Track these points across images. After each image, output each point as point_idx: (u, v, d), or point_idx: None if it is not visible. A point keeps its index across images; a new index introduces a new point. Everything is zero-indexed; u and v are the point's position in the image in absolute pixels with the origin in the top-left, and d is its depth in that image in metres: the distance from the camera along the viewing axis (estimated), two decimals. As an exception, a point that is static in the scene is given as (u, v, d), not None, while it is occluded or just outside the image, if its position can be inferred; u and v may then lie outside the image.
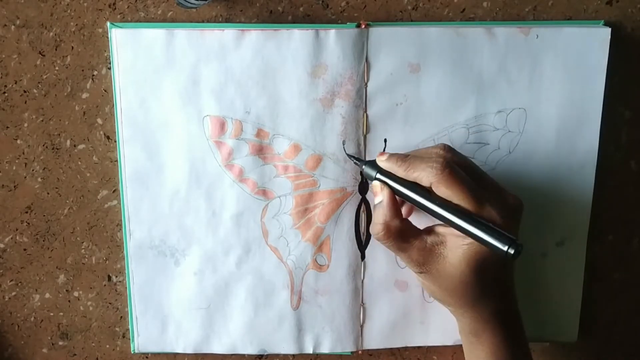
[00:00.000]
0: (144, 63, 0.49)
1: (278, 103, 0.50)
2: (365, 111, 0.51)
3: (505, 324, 0.47)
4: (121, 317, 0.55)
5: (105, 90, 0.51)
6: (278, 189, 0.51)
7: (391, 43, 0.49)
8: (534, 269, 0.54)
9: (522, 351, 0.49)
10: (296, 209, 0.52)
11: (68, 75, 0.50)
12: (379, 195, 0.47)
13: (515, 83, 0.51)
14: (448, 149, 0.46)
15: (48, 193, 0.52)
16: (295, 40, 0.49)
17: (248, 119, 0.50)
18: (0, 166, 0.52)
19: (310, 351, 0.54)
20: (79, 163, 0.52)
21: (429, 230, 0.47)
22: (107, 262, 0.54)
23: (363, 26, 0.49)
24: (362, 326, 0.54)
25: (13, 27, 0.49)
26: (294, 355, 0.56)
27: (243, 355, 0.55)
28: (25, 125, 0.51)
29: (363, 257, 0.53)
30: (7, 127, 0.51)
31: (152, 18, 0.50)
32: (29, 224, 0.53)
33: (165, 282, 0.53)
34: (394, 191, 0.46)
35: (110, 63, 0.50)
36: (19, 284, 0.54)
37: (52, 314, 0.55)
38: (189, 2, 0.47)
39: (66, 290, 0.54)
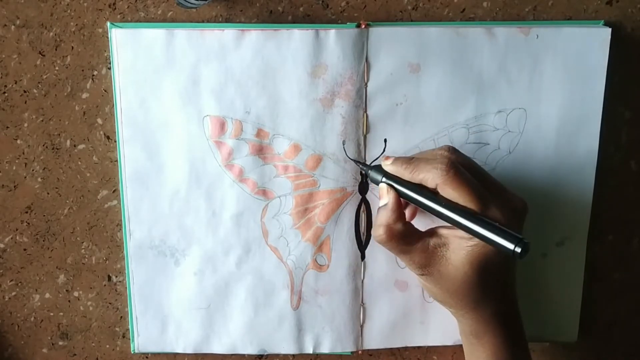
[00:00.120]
0: (144, 63, 0.49)
1: (278, 103, 0.50)
2: (365, 111, 0.51)
3: (506, 325, 0.47)
4: (121, 317, 0.55)
5: (105, 90, 0.51)
6: (278, 189, 0.51)
7: (391, 43, 0.49)
8: (534, 269, 0.54)
9: (522, 352, 0.49)
10: (296, 209, 0.52)
11: (68, 75, 0.50)
12: (384, 197, 0.47)
13: (515, 83, 0.51)
14: (452, 150, 0.46)
15: (48, 193, 0.52)
16: (295, 40, 0.49)
17: (248, 119, 0.50)
18: (0, 166, 0.52)
19: (310, 351, 0.54)
20: (79, 163, 0.52)
21: (431, 233, 0.47)
22: (107, 262, 0.54)
23: (363, 26, 0.49)
24: (362, 326, 0.54)
25: (13, 27, 0.49)
26: (294, 355, 0.56)
27: (243, 355, 0.55)
28: (25, 125, 0.51)
29: (363, 257, 0.53)
30: (7, 127, 0.51)
31: (152, 18, 0.50)
32: (29, 224, 0.53)
33: (165, 282, 0.53)
34: (399, 194, 0.46)
35: (110, 63, 0.50)
36: (19, 284, 0.54)
37: (52, 314, 0.55)
38: (189, 2, 0.47)
39: (66, 290, 0.54)
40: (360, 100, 0.50)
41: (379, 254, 0.53)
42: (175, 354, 0.55)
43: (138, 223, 0.52)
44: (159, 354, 0.55)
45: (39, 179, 0.52)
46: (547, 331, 0.56)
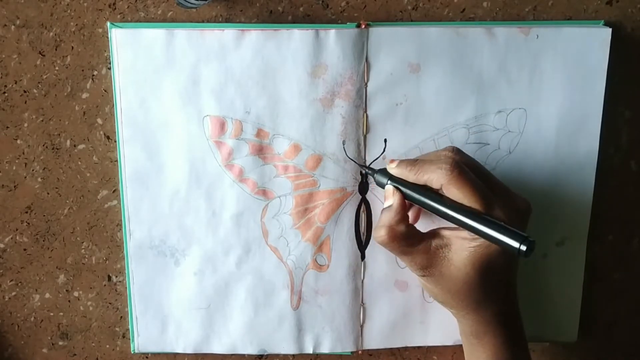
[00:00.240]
0: (144, 63, 0.49)
1: (278, 103, 0.50)
2: (365, 111, 0.51)
3: (507, 325, 0.47)
4: (121, 317, 0.55)
5: (105, 90, 0.51)
6: (278, 189, 0.51)
7: (391, 43, 0.49)
8: (534, 269, 0.54)
9: (522, 352, 0.49)
10: (296, 209, 0.52)
11: (68, 75, 0.50)
12: (389, 199, 0.47)
13: (515, 83, 0.51)
14: (456, 151, 0.46)
15: (48, 193, 0.52)
16: (295, 40, 0.49)
17: (248, 119, 0.50)
18: (0, 166, 0.52)
19: (310, 351, 0.54)
20: (79, 163, 0.52)
21: (433, 234, 0.47)
22: (107, 262, 0.54)
23: (363, 26, 0.49)
24: (362, 326, 0.54)
25: (13, 27, 0.49)
26: (294, 355, 0.56)
27: (243, 355, 0.55)
28: (25, 125, 0.51)
29: (363, 257, 0.53)
30: (7, 127, 0.51)
31: (152, 18, 0.50)
32: (29, 224, 0.53)
33: (165, 282, 0.53)
34: (405, 196, 0.47)
35: (110, 63, 0.50)
36: (19, 284, 0.54)
37: (52, 314, 0.55)
38: (189, 2, 0.47)
39: (66, 290, 0.54)
40: (360, 100, 0.50)
41: (379, 254, 0.53)
42: (175, 354, 0.55)
43: (138, 223, 0.52)
44: (159, 354, 0.55)
45: (39, 179, 0.52)
46: (547, 331, 0.56)
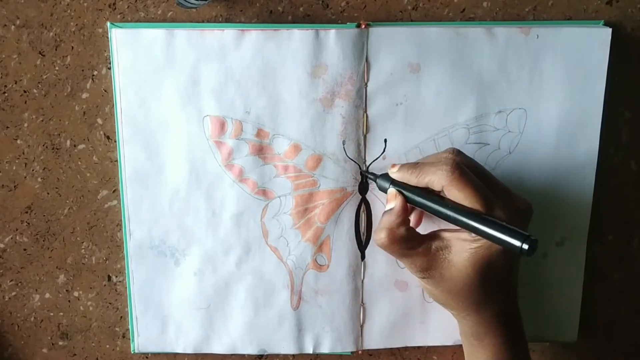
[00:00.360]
0: (144, 63, 0.49)
1: (278, 103, 0.50)
2: (365, 111, 0.51)
3: (507, 326, 0.47)
4: (121, 317, 0.55)
5: (105, 90, 0.51)
6: (278, 189, 0.51)
7: (391, 43, 0.49)
8: (534, 269, 0.54)
9: (522, 352, 0.49)
10: (296, 209, 0.52)
11: (68, 75, 0.50)
12: (391, 202, 0.47)
13: (515, 83, 0.51)
14: (457, 152, 0.46)
15: (48, 193, 0.52)
16: (295, 40, 0.49)
17: (248, 119, 0.50)
18: (0, 166, 0.52)
19: (310, 351, 0.54)
20: (79, 163, 0.52)
21: (433, 236, 0.47)
22: (107, 262, 0.54)
23: (363, 26, 0.49)
24: (362, 326, 0.54)
25: (13, 27, 0.49)
26: (294, 355, 0.56)
27: (243, 355, 0.55)
28: (25, 125, 0.51)
29: (363, 257, 0.53)
30: (7, 127, 0.51)
31: (152, 18, 0.49)
32: (29, 224, 0.53)
33: (165, 282, 0.53)
34: (407, 199, 0.47)
35: (110, 63, 0.50)
36: (19, 284, 0.54)
37: (52, 314, 0.55)
38: (189, 2, 0.47)
39: (66, 290, 0.54)
40: (360, 100, 0.50)
41: (379, 254, 0.53)
42: (175, 354, 0.55)
43: (138, 223, 0.52)
44: (159, 354, 0.55)
45: (39, 179, 0.52)
46: (547, 331, 0.56)
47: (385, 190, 0.48)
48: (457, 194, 0.44)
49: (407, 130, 0.51)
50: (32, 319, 0.55)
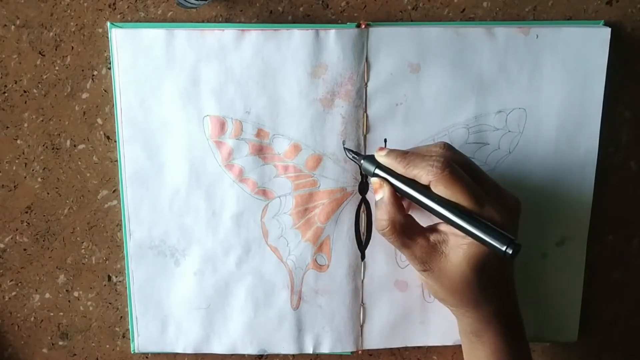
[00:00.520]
0: (144, 63, 0.49)
1: (278, 103, 0.50)
2: (365, 111, 0.51)
3: (507, 323, 0.47)
4: (121, 317, 0.55)
5: (105, 90, 0.51)
6: (278, 189, 0.51)
7: (391, 43, 0.49)
8: (534, 269, 0.54)
9: (522, 352, 0.49)
10: (296, 209, 0.52)
11: (68, 75, 0.50)
12: (379, 192, 0.47)
13: (515, 83, 0.51)
14: (448, 147, 0.46)
15: (48, 193, 0.52)
16: (295, 40, 0.49)
17: (248, 119, 0.50)
18: (0, 166, 0.52)
19: (310, 351, 0.54)
20: (79, 163, 0.52)
21: (432, 228, 0.47)
22: (107, 262, 0.54)
23: (363, 26, 0.49)
24: (362, 326, 0.54)
25: (13, 27, 0.49)
26: (294, 355, 0.56)
27: (243, 355, 0.55)
28: (25, 125, 0.51)
29: (363, 257, 0.53)
30: (7, 127, 0.51)
31: (152, 18, 0.50)
32: (29, 224, 0.53)
33: (165, 282, 0.53)
34: (393, 187, 0.46)
35: (110, 63, 0.50)
36: (19, 284, 0.54)
37: (52, 314, 0.55)
38: (189, 2, 0.47)
39: (66, 290, 0.54)
40: (360, 100, 0.50)
41: (379, 254, 0.53)
42: (175, 354, 0.55)
43: (138, 223, 0.52)
44: (159, 354, 0.55)
45: (39, 179, 0.52)
46: (547, 331, 0.56)
47: (369, 174, 0.48)
48: (445, 191, 0.43)
49: (407, 130, 0.51)
50: (32, 319, 0.55)
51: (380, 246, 0.53)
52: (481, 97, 0.51)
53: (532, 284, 0.54)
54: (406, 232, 0.46)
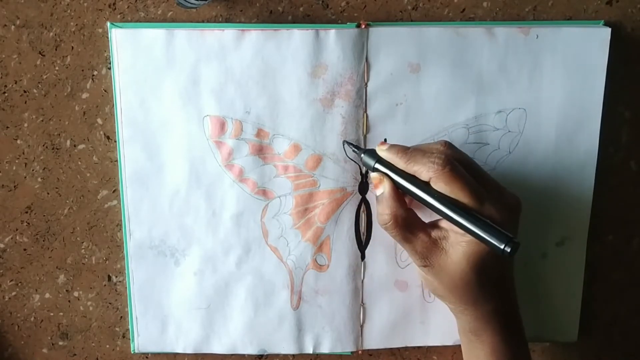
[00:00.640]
0: (144, 63, 0.49)
1: (278, 103, 0.50)
2: (365, 111, 0.51)
3: (506, 322, 0.47)
4: (121, 317, 0.55)
5: (105, 90, 0.51)
6: (278, 189, 0.51)
7: (391, 43, 0.49)
8: (534, 269, 0.54)
9: (522, 351, 0.49)
10: (296, 209, 0.52)
11: (68, 75, 0.50)
12: (379, 187, 0.47)
13: (515, 83, 0.51)
14: (449, 145, 0.46)
15: (48, 193, 0.52)
16: (295, 40, 0.49)
17: (248, 119, 0.50)
18: (0, 166, 0.52)
19: (310, 351, 0.54)
20: (79, 163, 0.52)
21: (434, 224, 0.47)
22: (107, 262, 0.54)
23: (363, 26, 0.49)
24: (362, 326, 0.54)
25: (13, 27, 0.49)
26: (294, 355, 0.56)
27: (243, 355, 0.55)
28: (25, 125, 0.51)
29: (363, 257, 0.53)
30: (7, 127, 0.51)
31: (152, 18, 0.50)
32: (29, 224, 0.53)
33: (165, 282, 0.53)
34: (393, 182, 0.46)
35: (110, 63, 0.50)
36: (19, 284, 0.54)
37: (52, 314, 0.55)
38: (189, 2, 0.47)
39: (66, 290, 0.54)
40: (360, 100, 0.50)
41: (379, 254, 0.53)
42: (175, 354, 0.55)
43: (138, 223, 0.52)
44: (159, 354, 0.55)
45: (39, 179, 0.52)
46: (547, 331, 0.56)
47: (370, 168, 0.48)
48: (445, 188, 0.44)
49: (407, 130, 0.51)
50: (32, 319, 0.55)
51: (380, 246, 0.53)
52: (481, 97, 0.51)
53: (532, 284, 0.54)
54: (408, 226, 0.46)
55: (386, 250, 0.53)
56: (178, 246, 0.52)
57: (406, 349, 0.56)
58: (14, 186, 0.52)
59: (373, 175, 0.47)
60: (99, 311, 0.55)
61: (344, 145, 0.51)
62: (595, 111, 0.52)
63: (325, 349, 0.54)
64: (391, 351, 0.57)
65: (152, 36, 0.48)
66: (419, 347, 0.56)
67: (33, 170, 0.52)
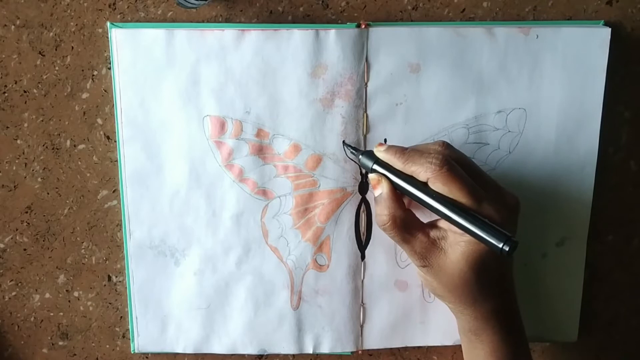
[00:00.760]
0: (144, 63, 0.49)
1: (278, 103, 0.50)
2: (365, 111, 0.51)
3: (506, 322, 0.47)
4: (121, 317, 0.55)
5: (105, 90, 0.51)
6: (278, 189, 0.51)
7: (391, 43, 0.49)
8: (534, 269, 0.54)
9: (521, 350, 0.49)
10: (296, 209, 0.52)
11: (68, 75, 0.50)
12: (377, 188, 0.47)
13: (515, 83, 0.51)
14: (447, 145, 0.46)
15: (48, 193, 0.52)
16: (295, 40, 0.49)
17: (248, 119, 0.50)
18: (0, 166, 0.52)
19: (310, 351, 0.54)
20: (79, 163, 0.52)
21: (432, 224, 0.47)
22: (107, 262, 0.54)
23: (363, 26, 0.49)
24: (362, 326, 0.54)
25: (13, 27, 0.49)
26: (294, 355, 0.56)
27: (243, 355, 0.55)
28: (25, 125, 0.51)
29: (363, 257, 0.53)
30: (7, 127, 0.51)
31: (152, 18, 0.50)
32: (29, 224, 0.53)
33: (165, 282, 0.53)
34: (391, 182, 0.46)
35: (110, 63, 0.50)
36: (19, 284, 0.54)
37: (52, 314, 0.55)
38: (189, 2, 0.47)
39: (66, 290, 0.54)
40: (360, 100, 0.50)
41: (379, 254, 0.53)
42: (175, 354, 0.55)
43: (138, 223, 0.52)
44: (159, 354, 0.55)
45: (39, 179, 0.52)
46: (547, 331, 0.56)
47: (367, 169, 0.48)
48: (442, 188, 0.44)
49: (407, 130, 0.51)
50: (32, 319, 0.55)
51: (380, 246, 0.53)
52: (481, 97, 0.51)
53: (532, 283, 0.54)
54: (407, 227, 0.46)
55: (386, 250, 0.53)
56: (178, 246, 0.52)
57: (406, 349, 0.56)
58: (14, 186, 0.52)
59: (371, 176, 0.48)
60: (99, 311, 0.55)
61: (344, 146, 0.51)
62: (595, 111, 0.52)
63: (325, 349, 0.54)
64: (391, 351, 0.57)
65: (152, 36, 0.48)
66: (419, 347, 0.57)
67: (33, 170, 0.52)
